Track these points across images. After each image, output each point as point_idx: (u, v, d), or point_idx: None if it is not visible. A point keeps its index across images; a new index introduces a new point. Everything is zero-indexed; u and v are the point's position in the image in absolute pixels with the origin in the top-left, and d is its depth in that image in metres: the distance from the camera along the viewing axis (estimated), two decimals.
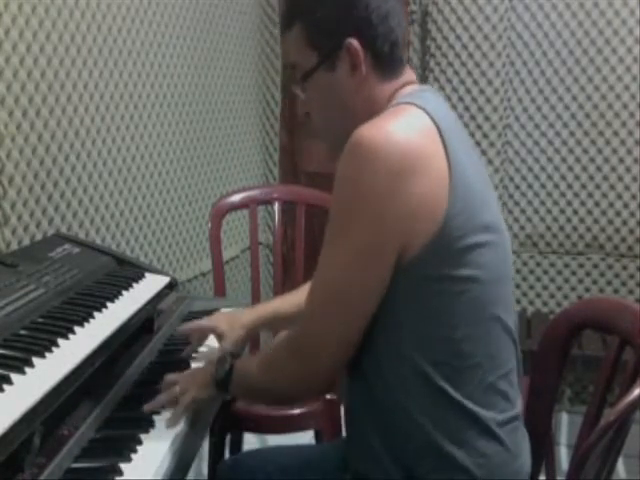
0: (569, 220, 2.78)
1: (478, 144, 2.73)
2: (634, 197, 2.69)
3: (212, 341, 1.48)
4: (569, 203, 2.77)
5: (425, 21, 2.77)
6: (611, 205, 2.73)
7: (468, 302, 1.04)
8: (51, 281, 1.31)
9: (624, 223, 2.72)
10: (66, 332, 1.14)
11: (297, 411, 1.81)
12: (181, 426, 1.15)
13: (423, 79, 2.77)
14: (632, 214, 2.70)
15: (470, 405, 1.05)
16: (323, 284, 1.07)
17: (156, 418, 1.15)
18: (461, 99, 2.75)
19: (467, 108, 2.74)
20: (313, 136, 1.29)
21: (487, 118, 2.74)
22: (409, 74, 1.17)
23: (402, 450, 1.07)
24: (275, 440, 2.34)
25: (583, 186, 2.74)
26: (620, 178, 2.70)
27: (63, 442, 1.02)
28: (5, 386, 0.94)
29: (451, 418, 1.05)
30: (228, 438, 1.94)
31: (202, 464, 2.17)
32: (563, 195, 2.77)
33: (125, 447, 1.05)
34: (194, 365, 1.37)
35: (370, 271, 1.02)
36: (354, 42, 1.08)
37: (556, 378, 1.27)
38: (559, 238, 2.81)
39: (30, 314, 1.17)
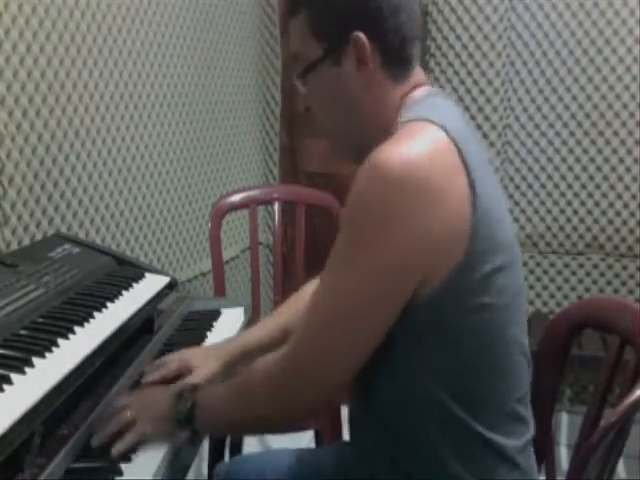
0: (569, 220, 2.78)
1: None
2: (634, 197, 2.69)
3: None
4: (569, 203, 2.77)
5: (425, 21, 2.76)
6: (611, 205, 2.73)
7: (487, 331, 0.99)
8: (51, 281, 1.31)
9: (624, 223, 2.72)
10: (66, 332, 1.14)
11: None
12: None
13: None
14: (632, 214, 2.70)
15: (490, 435, 1.01)
16: (330, 309, 0.99)
17: None
18: (461, 99, 2.75)
19: (467, 108, 2.74)
20: (314, 133, 1.26)
21: (487, 118, 2.74)
22: (419, 74, 1.10)
23: None
24: (275, 440, 2.34)
25: (583, 186, 2.74)
26: (620, 178, 2.70)
27: (63, 442, 1.02)
28: (5, 386, 0.94)
29: (471, 449, 1.01)
30: (228, 438, 1.94)
31: (202, 464, 2.17)
32: (563, 195, 2.77)
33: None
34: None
35: (381, 303, 0.96)
36: (361, 35, 1.02)
37: (556, 378, 1.27)
38: (559, 238, 2.81)
39: (30, 314, 1.17)
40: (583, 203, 2.76)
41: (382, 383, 1.03)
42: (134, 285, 1.47)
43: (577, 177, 2.74)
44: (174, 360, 1.30)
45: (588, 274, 2.80)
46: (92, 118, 1.92)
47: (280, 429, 1.36)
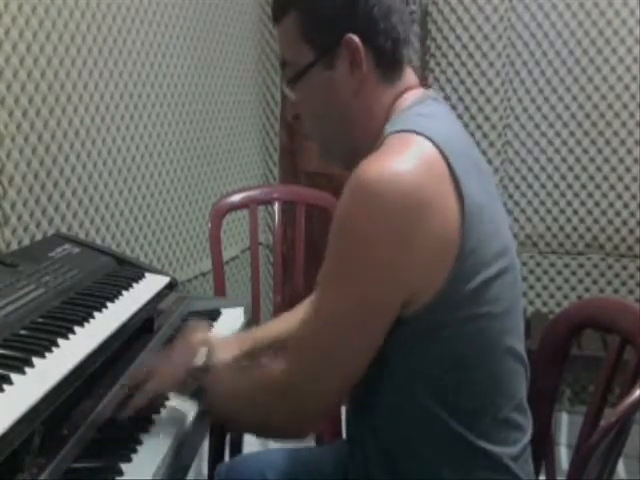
0: (569, 220, 2.78)
1: (478, 144, 2.72)
2: (634, 197, 2.69)
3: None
4: (569, 203, 2.77)
5: (425, 21, 2.76)
6: (611, 205, 2.72)
7: (482, 341, 0.99)
8: (51, 281, 1.31)
9: (624, 223, 2.72)
10: (66, 332, 1.14)
11: None
12: (182, 426, 1.15)
13: (423, 79, 2.76)
14: (632, 214, 2.70)
15: (485, 444, 1.01)
16: (320, 328, 0.98)
17: (156, 418, 1.15)
18: (461, 99, 2.75)
19: (467, 108, 2.74)
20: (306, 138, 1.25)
21: (487, 118, 2.73)
22: (410, 76, 1.09)
23: None
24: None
25: (583, 186, 2.74)
26: (620, 178, 2.70)
27: (63, 442, 1.02)
28: (5, 386, 0.94)
29: (465, 457, 1.01)
30: (228, 438, 1.94)
31: (202, 464, 2.17)
32: (563, 195, 2.77)
33: (125, 447, 1.05)
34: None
35: (368, 325, 0.96)
36: (354, 37, 1.00)
37: (556, 378, 1.27)
38: (559, 238, 2.81)
39: (30, 314, 1.17)
40: (583, 203, 2.75)
41: (376, 393, 1.03)
42: (134, 285, 1.47)
43: (577, 177, 2.74)
44: (196, 342, 1.32)
45: (588, 274, 2.80)
46: (92, 118, 1.92)
47: (277, 439, 1.36)
